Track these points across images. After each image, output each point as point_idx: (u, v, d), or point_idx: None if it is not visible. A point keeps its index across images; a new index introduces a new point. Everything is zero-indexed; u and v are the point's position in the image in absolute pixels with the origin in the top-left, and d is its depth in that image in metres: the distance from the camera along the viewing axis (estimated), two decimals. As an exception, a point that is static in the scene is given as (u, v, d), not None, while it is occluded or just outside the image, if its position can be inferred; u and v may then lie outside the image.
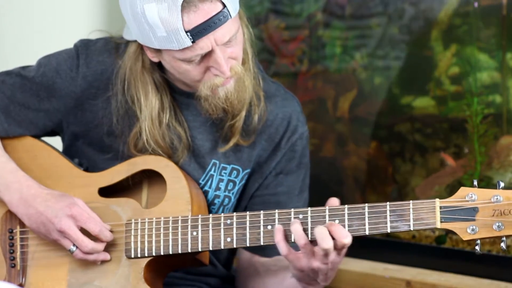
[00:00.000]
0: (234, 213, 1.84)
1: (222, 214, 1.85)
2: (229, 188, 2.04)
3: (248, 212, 1.83)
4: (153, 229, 1.88)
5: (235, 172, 2.04)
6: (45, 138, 2.09)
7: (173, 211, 1.88)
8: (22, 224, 1.96)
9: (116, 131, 2.00)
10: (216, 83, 1.89)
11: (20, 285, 1.93)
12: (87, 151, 2.03)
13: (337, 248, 1.72)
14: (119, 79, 1.99)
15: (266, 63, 2.73)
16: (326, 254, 1.72)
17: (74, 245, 1.87)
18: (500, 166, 2.30)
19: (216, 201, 2.03)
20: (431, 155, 2.43)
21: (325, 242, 1.70)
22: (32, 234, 1.96)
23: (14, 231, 1.96)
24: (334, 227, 1.73)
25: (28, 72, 2.04)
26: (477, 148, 2.33)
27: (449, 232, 2.41)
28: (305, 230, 1.76)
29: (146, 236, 1.88)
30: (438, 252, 2.41)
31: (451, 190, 2.38)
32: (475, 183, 1.72)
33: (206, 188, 2.03)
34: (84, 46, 2.04)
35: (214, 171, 2.02)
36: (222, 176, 2.03)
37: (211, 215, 1.85)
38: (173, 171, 1.91)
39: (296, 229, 1.75)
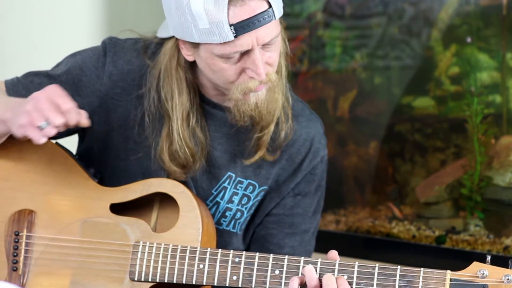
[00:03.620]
0: (244, 252, 1.82)
1: (232, 251, 1.82)
2: (243, 202, 2.02)
3: (257, 254, 1.81)
4: (160, 255, 1.86)
5: (251, 187, 2.02)
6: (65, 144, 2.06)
7: (182, 240, 1.86)
8: (29, 228, 1.95)
9: (147, 130, 1.97)
10: (249, 86, 1.86)
11: None
12: (103, 156, 2.01)
13: None
14: (153, 77, 1.96)
15: (266, 63, 2.73)
16: None
17: (45, 121, 1.80)
18: (500, 166, 2.30)
19: (227, 213, 2.01)
20: (431, 155, 2.43)
21: None
22: (39, 240, 1.94)
23: (20, 234, 1.95)
24: (341, 280, 1.73)
25: (55, 71, 2.02)
26: (477, 148, 2.33)
27: (449, 232, 2.41)
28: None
29: (152, 261, 1.86)
30: (438, 252, 2.41)
31: (451, 190, 2.38)
32: (488, 259, 1.72)
33: (217, 199, 2.01)
34: (112, 44, 2.01)
35: (229, 184, 2.01)
36: (237, 189, 2.02)
37: (220, 250, 1.83)
38: (188, 199, 1.89)
39: (310, 270, 1.75)
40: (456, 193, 2.38)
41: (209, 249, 1.84)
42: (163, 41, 1.98)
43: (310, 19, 2.66)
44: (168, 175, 1.96)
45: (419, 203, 2.46)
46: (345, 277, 1.75)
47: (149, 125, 1.97)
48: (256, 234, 2.08)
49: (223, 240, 2.00)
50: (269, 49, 1.86)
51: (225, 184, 2.01)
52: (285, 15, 2.72)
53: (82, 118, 1.83)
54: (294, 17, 2.68)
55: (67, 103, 1.81)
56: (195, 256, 1.83)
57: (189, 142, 1.94)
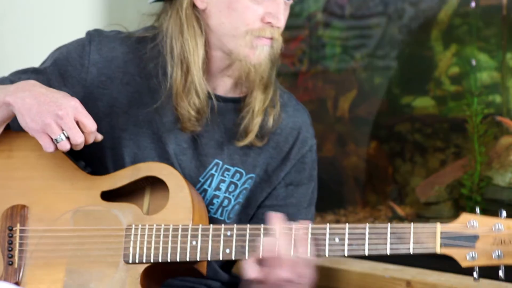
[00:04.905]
0: (235, 225, 1.84)
1: (223, 225, 1.84)
2: (230, 190, 2.04)
3: (248, 225, 1.83)
4: (153, 236, 1.87)
5: (238, 174, 2.04)
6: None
7: (174, 219, 1.88)
8: (22, 223, 1.96)
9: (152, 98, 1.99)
10: (263, 33, 1.91)
11: (16, 283, 1.93)
12: (91, 146, 2.02)
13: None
14: (164, 41, 1.98)
15: (266, 63, 2.73)
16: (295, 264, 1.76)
17: (63, 134, 1.84)
18: (500, 166, 2.30)
19: (215, 201, 2.03)
20: (431, 155, 2.43)
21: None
22: (32, 233, 1.96)
23: (14, 229, 1.96)
24: (300, 243, 1.76)
25: (42, 66, 2.04)
26: (477, 148, 2.33)
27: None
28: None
29: (145, 242, 1.88)
30: (438, 252, 2.41)
31: (451, 190, 2.38)
32: (477, 210, 1.72)
33: (205, 186, 2.03)
34: (96, 33, 2.04)
35: (216, 171, 2.03)
36: (225, 177, 2.03)
37: (211, 225, 1.85)
38: (177, 179, 1.91)
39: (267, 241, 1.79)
40: (456, 193, 2.38)
41: (200, 225, 1.85)
42: (145, 34, 2.01)
43: (310, 19, 2.66)
44: (182, 128, 1.98)
45: (419, 203, 2.46)
46: (337, 239, 1.76)
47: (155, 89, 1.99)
48: None
49: None
50: (285, 8, 1.92)
51: (212, 171, 2.02)
52: (285, 15, 2.71)
53: (98, 136, 1.88)
54: (294, 17, 2.68)
55: (91, 124, 1.85)
56: (187, 234, 1.85)
57: (205, 91, 1.96)
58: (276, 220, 1.82)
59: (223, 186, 2.03)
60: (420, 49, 2.44)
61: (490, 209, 2.33)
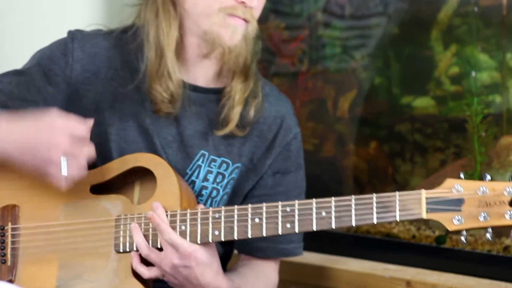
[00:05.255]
0: (223, 207, 1.85)
1: (211, 208, 1.86)
2: (218, 180, 2.05)
3: (236, 206, 1.84)
4: (142, 224, 1.89)
5: (224, 165, 2.05)
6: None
7: (163, 207, 1.89)
8: (13, 221, 1.97)
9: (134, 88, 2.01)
10: (235, 12, 1.93)
11: (10, 281, 1.94)
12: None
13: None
14: (140, 34, 2.01)
15: (266, 63, 2.73)
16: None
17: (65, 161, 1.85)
18: (500, 166, 2.30)
19: (203, 192, 2.04)
20: (431, 155, 2.43)
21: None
22: (24, 230, 1.96)
23: (5, 228, 1.97)
24: (158, 227, 1.83)
25: (24, 67, 2.05)
26: (477, 148, 2.33)
27: (448, 232, 2.41)
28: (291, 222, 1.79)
29: None
30: (438, 252, 2.41)
31: (451, 190, 2.39)
32: (462, 175, 1.72)
33: (193, 178, 2.04)
34: (78, 32, 2.06)
35: (202, 162, 2.04)
36: (211, 168, 2.04)
37: (199, 209, 1.86)
38: (164, 168, 1.92)
39: (138, 241, 1.86)
40: (456, 193, 2.38)
41: (188, 210, 1.86)
42: (125, 27, 2.04)
43: (310, 19, 2.66)
44: (155, 110, 1.99)
45: (419, 203, 2.46)
46: (323, 213, 1.77)
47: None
48: None
49: None
50: None
51: (199, 163, 2.03)
52: (285, 15, 2.73)
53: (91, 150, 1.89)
54: (294, 17, 2.68)
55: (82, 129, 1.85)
56: (176, 219, 1.85)
57: (178, 75, 1.97)
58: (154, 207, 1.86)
59: (211, 177, 2.04)
60: (420, 49, 2.44)
61: (490, 209, 2.33)
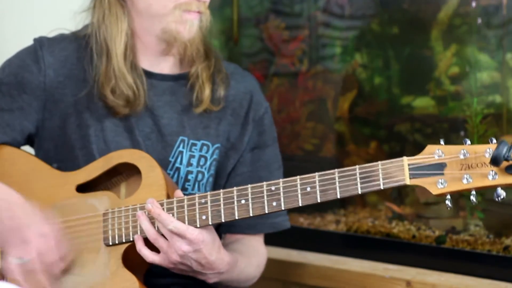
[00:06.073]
0: (208, 192, 1.86)
1: (197, 194, 1.87)
2: (201, 163, 2.07)
3: (221, 190, 1.86)
4: (130, 216, 1.90)
5: (205, 147, 2.08)
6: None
7: (148, 197, 1.90)
8: None
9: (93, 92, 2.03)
10: (190, 7, 1.97)
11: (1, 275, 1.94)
12: (63, 150, 2.05)
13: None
14: (92, 37, 2.03)
15: (266, 63, 2.73)
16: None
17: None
18: (500, 166, 2.29)
19: (190, 177, 2.06)
20: (431, 155, 2.42)
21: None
22: None
23: None
24: (159, 217, 1.83)
25: None
26: (477, 148, 2.33)
27: (448, 232, 2.41)
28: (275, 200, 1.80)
29: (123, 223, 1.91)
30: (438, 252, 2.41)
31: (451, 190, 2.38)
32: (442, 142, 1.73)
33: (177, 165, 2.06)
34: (44, 39, 2.08)
35: (183, 148, 2.06)
36: (193, 152, 2.07)
37: (185, 196, 1.88)
38: (148, 161, 1.94)
39: (146, 227, 1.87)
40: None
41: (175, 198, 1.88)
42: (86, 30, 2.06)
43: (310, 19, 2.66)
44: (113, 110, 2.01)
45: (419, 203, 2.46)
46: (308, 189, 1.79)
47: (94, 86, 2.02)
48: None
49: None
50: None
51: (180, 149, 2.06)
52: (285, 15, 2.73)
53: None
54: (294, 17, 2.68)
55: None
56: (163, 208, 1.87)
57: (128, 77, 2.00)
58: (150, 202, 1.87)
59: (194, 161, 2.07)
60: (420, 49, 2.44)
61: (490, 209, 2.33)
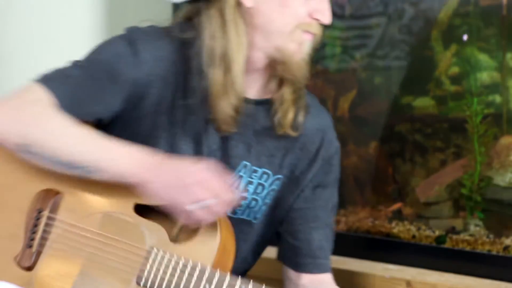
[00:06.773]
0: (251, 280, 1.81)
1: (239, 278, 1.82)
2: (257, 191, 2.03)
3: (264, 285, 1.81)
4: (170, 267, 1.85)
5: (265, 176, 2.03)
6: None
7: (197, 256, 1.85)
8: (52, 209, 1.93)
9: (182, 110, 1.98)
10: (311, 28, 1.93)
11: (29, 268, 1.92)
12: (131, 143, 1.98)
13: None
14: (201, 50, 1.96)
15: (266, 63, 2.73)
16: None
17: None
18: (500, 166, 2.30)
19: (242, 202, 2.02)
20: (431, 155, 2.43)
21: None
22: (58, 223, 1.93)
23: (42, 212, 1.93)
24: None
25: (86, 62, 1.98)
26: (477, 148, 2.33)
27: (449, 232, 2.41)
28: None
29: (161, 271, 1.85)
30: (438, 252, 2.41)
31: (451, 190, 2.39)
32: None
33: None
34: (138, 30, 2.00)
35: (244, 173, 2.02)
36: (252, 178, 2.02)
37: (228, 275, 1.83)
38: (221, 221, 1.88)
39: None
40: (456, 193, 2.38)
41: (217, 272, 1.83)
42: (187, 34, 1.98)
43: (310, 19, 2.66)
44: (216, 129, 1.96)
45: (419, 203, 2.46)
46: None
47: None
48: (283, 234, 2.09)
49: (237, 229, 1.98)
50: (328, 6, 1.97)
51: (241, 173, 2.01)
52: (285, 15, 2.70)
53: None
54: (294, 17, 2.68)
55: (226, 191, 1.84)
56: (203, 276, 1.82)
57: (243, 89, 1.95)
58: None
59: (251, 188, 2.02)
60: (420, 49, 2.44)
61: (490, 209, 2.33)
